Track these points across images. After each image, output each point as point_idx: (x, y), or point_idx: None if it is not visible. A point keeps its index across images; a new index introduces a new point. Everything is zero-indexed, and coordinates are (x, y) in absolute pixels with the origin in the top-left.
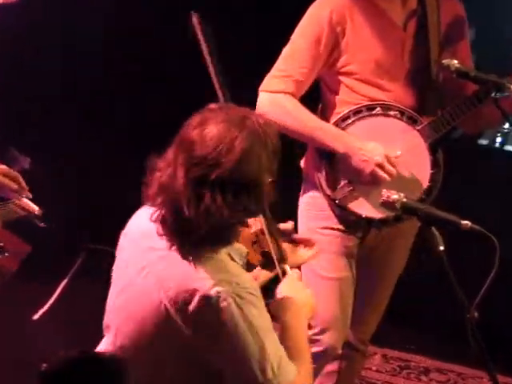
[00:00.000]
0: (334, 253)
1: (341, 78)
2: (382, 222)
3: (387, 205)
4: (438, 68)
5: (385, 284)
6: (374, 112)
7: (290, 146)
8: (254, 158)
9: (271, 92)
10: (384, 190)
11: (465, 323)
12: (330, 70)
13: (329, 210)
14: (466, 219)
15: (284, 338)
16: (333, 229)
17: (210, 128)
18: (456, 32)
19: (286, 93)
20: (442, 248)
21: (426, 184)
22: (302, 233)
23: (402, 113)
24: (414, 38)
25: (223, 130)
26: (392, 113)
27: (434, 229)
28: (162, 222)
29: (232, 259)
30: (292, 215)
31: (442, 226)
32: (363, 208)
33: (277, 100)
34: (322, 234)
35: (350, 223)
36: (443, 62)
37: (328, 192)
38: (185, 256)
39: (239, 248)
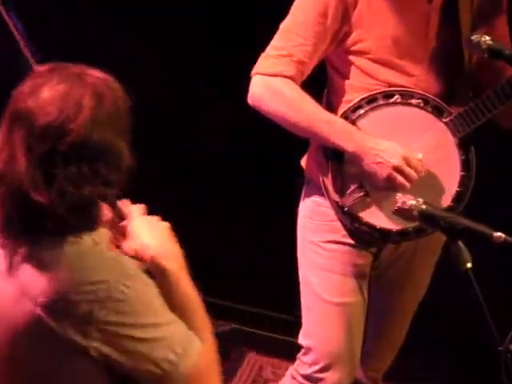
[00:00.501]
0: (341, 273)
1: (351, 58)
2: (401, 235)
3: (402, 213)
4: (467, 46)
5: (403, 310)
6: (391, 100)
7: (289, 140)
8: (106, 118)
9: (266, 75)
10: (398, 195)
11: (497, 357)
12: (339, 48)
13: (336, 220)
14: (498, 230)
15: (174, 293)
16: (340, 243)
17: (46, 93)
18: (492, 4)
19: (284, 76)
20: (469, 266)
21: (454, 189)
22: (302, 246)
23: (426, 101)
24: (440, 10)
25: (64, 91)
26: (414, 101)
27: (460, 242)
28: (6, 226)
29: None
30: (290, 224)
31: (470, 238)
32: (377, 218)
33: (273, 85)
34: (327, 250)
35: (362, 236)
36: (472, 38)
37: (335, 198)
38: (40, 255)
39: (103, 233)
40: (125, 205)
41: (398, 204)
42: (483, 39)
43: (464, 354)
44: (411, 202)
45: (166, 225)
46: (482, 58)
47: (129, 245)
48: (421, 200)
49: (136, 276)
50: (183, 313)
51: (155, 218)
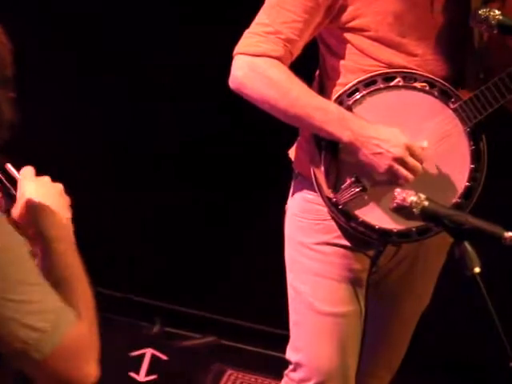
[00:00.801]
0: (335, 279)
1: (347, 35)
2: (403, 236)
3: (401, 210)
4: (475, 22)
5: (403, 321)
6: (392, 83)
7: (274, 127)
8: None
9: (251, 55)
10: (397, 190)
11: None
12: (333, 24)
13: (329, 219)
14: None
15: (55, 265)
16: (334, 245)
17: None
18: None
19: (271, 56)
20: (477, 270)
21: (463, 184)
22: (290, 249)
23: (432, 84)
24: None
25: None
26: (418, 84)
27: (467, 244)
28: None
29: None
30: (276, 223)
31: (479, 239)
32: (376, 216)
33: (258, 66)
34: (319, 252)
35: (359, 237)
36: (479, 12)
37: (328, 193)
38: None
39: None
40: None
41: (397, 200)
42: (492, 13)
43: (470, 370)
44: (412, 198)
45: (58, 185)
46: (493, 35)
47: (15, 208)
48: (423, 196)
49: (8, 234)
50: (63, 286)
51: (46, 178)
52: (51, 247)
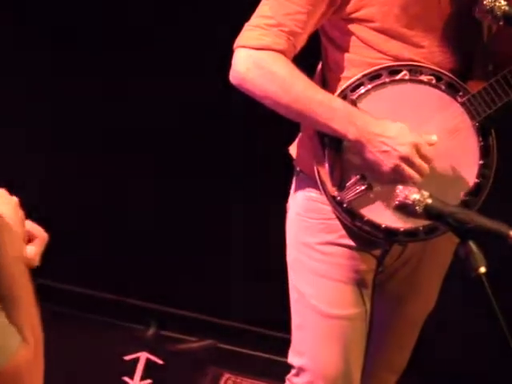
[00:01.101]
0: (340, 280)
1: (351, 27)
2: (409, 235)
3: (404, 208)
4: (480, 13)
5: (409, 322)
6: (398, 77)
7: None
8: None
9: (253, 48)
10: (399, 187)
11: None
12: (337, 15)
13: (333, 218)
14: None
15: (1, 282)
16: (339, 245)
17: None
18: None
19: (273, 50)
20: (483, 270)
21: (472, 180)
22: (292, 249)
23: (439, 78)
24: None
25: None
26: (425, 78)
27: (472, 243)
28: None
29: None
30: (276, 222)
31: (484, 237)
32: (382, 215)
33: (261, 60)
34: (323, 253)
35: (364, 237)
36: (485, 3)
37: (333, 192)
38: None
39: None
40: None
41: (399, 198)
42: (498, 4)
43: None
44: (414, 195)
45: (13, 199)
46: (500, 27)
47: None
48: (426, 193)
49: None
50: (7, 303)
51: (2, 191)
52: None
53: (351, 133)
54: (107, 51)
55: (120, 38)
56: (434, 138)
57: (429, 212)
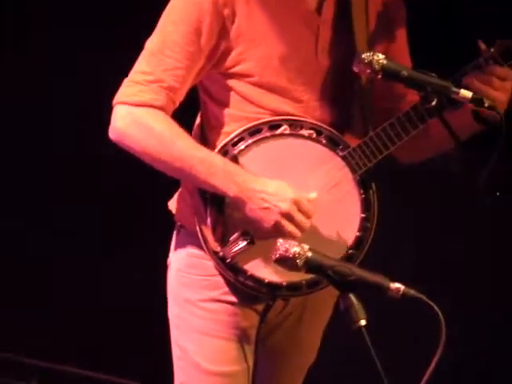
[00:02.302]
0: (222, 337)
1: (230, 82)
2: (292, 289)
3: (285, 262)
4: (359, 66)
5: (290, 376)
6: (278, 131)
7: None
8: None
9: (132, 105)
10: (280, 241)
11: None
12: (216, 70)
13: (216, 275)
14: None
15: None
16: (222, 301)
17: None
18: (391, 15)
19: (153, 106)
20: (363, 323)
21: (353, 234)
22: (175, 306)
23: (319, 132)
24: (332, 24)
25: None
26: (305, 132)
27: (352, 296)
28: None
29: None
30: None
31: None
32: (265, 270)
33: (140, 116)
34: (206, 310)
35: (247, 293)
36: (363, 56)
37: (215, 248)
38: None
39: None
40: None
41: (280, 252)
42: (376, 58)
43: None
44: (295, 249)
45: None
46: (378, 80)
47: None
48: (306, 247)
49: None
50: None
51: None
52: None
53: (232, 190)
54: None
55: None
56: (314, 195)
57: (309, 265)
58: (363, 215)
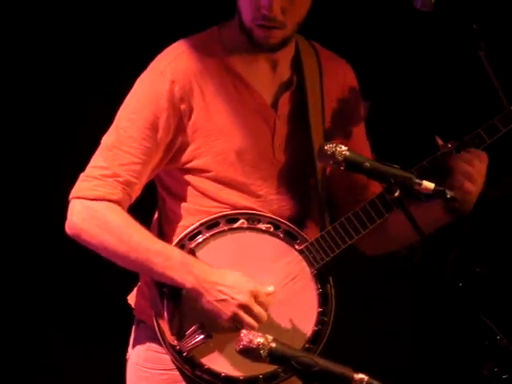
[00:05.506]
0: None
1: (187, 177)
2: (250, 383)
3: (249, 352)
4: (321, 158)
5: None
6: (236, 225)
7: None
8: None
9: (88, 199)
10: (244, 332)
11: None
12: (172, 165)
13: (174, 369)
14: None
15: None
16: None
17: None
18: (347, 111)
19: (109, 200)
20: None
21: (310, 328)
22: None
23: (277, 226)
24: (288, 120)
25: None
26: (263, 226)
27: None
28: None
29: None
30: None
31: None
32: (222, 363)
33: (96, 211)
34: None
35: None
36: (326, 148)
37: (172, 341)
38: None
39: None
40: None
41: (244, 342)
42: (339, 149)
43: None
44: (259, 339)
45: None
46: (339, 171)
47: None
48: (270, 337)
49: None
50: None
51: None
52: None
53: (189, 282)
54: None
55: None
56: (271, 288)
57: (273, 356)
58: (320, 309)
